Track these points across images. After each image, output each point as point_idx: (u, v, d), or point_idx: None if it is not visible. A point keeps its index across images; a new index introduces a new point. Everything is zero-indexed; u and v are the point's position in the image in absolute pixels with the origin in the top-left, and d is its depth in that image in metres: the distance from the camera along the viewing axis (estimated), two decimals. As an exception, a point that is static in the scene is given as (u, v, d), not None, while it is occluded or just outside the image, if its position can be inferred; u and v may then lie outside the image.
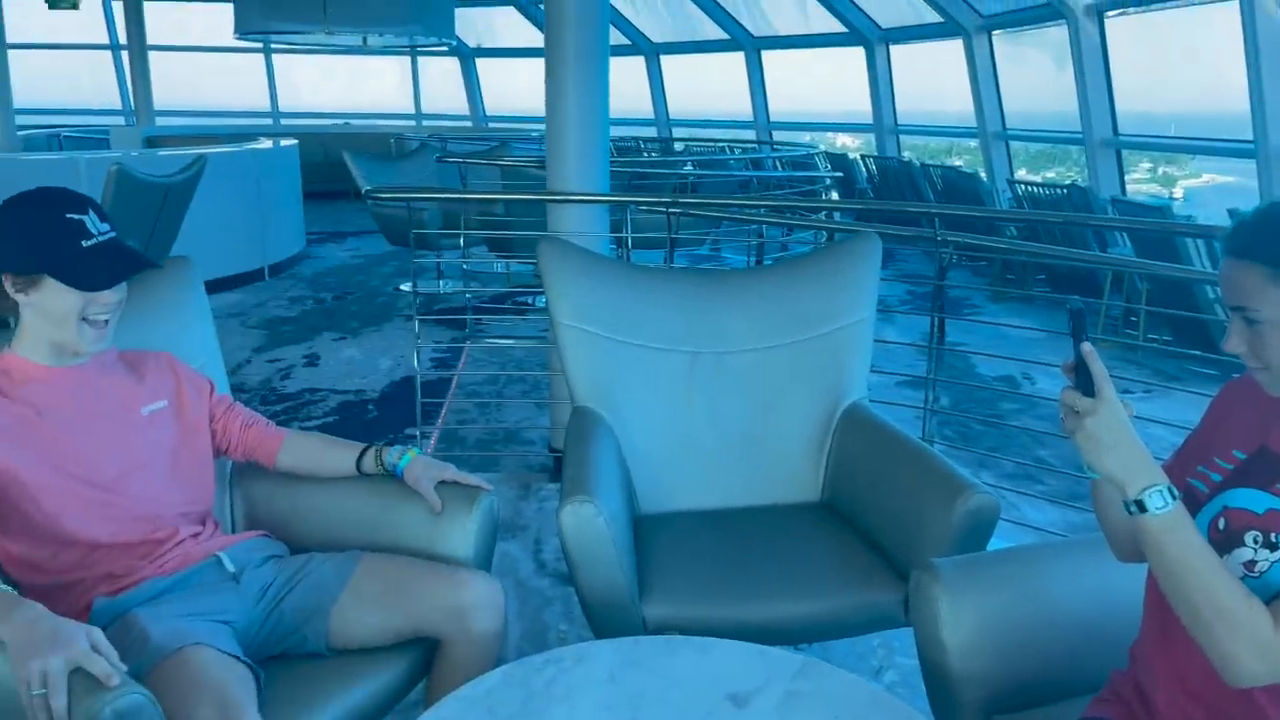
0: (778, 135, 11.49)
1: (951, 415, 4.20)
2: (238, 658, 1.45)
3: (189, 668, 1.37)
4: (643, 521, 2.19)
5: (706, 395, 2.36)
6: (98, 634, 1.27)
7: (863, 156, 10.44)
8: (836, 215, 6.64)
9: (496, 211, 5.77)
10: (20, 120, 9.25)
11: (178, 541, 1.64)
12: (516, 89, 14.81)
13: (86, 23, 13.46)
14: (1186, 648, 1.11)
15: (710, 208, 3.56)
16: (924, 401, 3.24)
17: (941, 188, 8.53)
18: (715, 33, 11.55)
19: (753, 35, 11.32)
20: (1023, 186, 7.50)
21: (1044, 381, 4.85)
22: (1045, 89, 8.79)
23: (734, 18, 11.21)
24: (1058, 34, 7.66)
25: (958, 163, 10.84)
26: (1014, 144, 9.04)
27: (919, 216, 5.87)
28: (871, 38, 10.05)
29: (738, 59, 11.66)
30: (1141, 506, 1.04)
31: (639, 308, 2.41)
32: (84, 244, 1.51)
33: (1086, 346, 1.07)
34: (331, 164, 10.23)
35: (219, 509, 1.88)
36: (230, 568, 1.64)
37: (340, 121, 14.41)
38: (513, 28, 13.86)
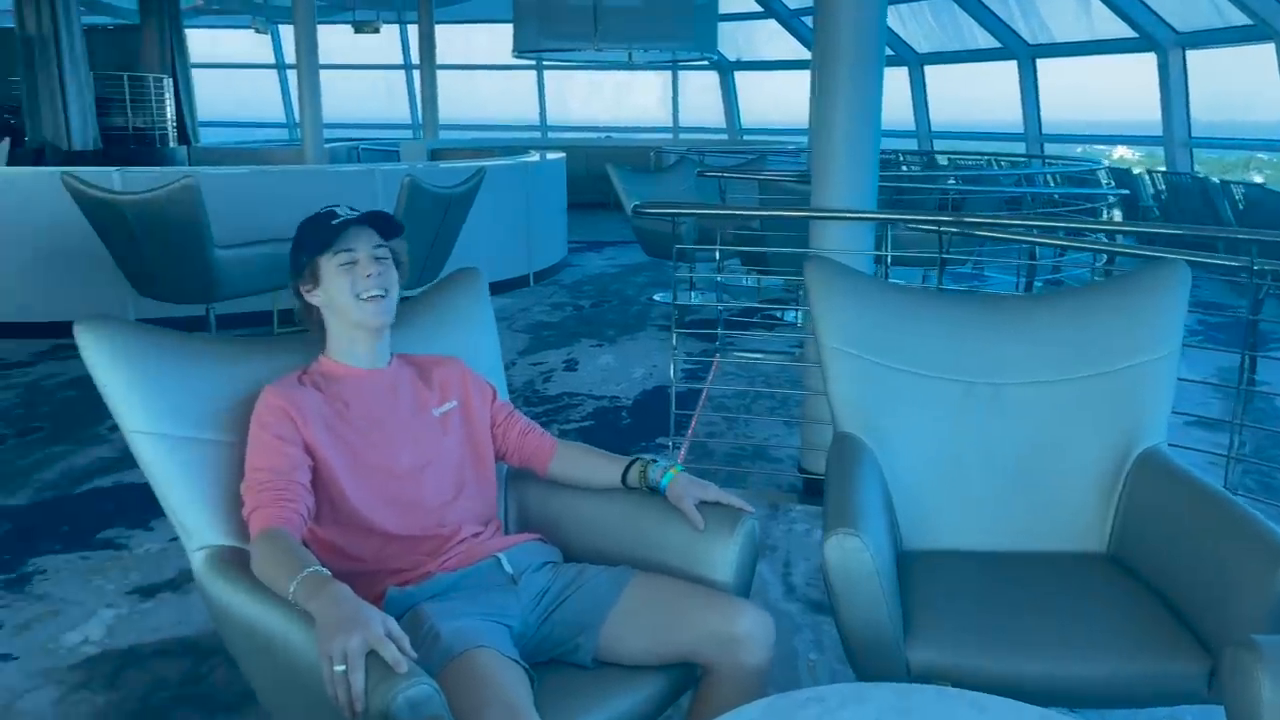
0: (1045, 148, 10.80)
1: (1258, 464, 3.75)
2: (516, 661, 1.50)
3: (476, 670, 1.43)
4: (906, 558, 2.09)
5: (980, 429, 2.22)
6: (392, 622, 1.34)
7: (1148, 171, 9.60)
8: (1119, 237, 6.13)
9: (752, 225, 5.77)
10: (324, 134, 10.25)
11: (461, 539, 1.72)
12: (772, 102, 14.81)
13: (384, 45, 14.75)
14: None
15: (986, 226, 3.36)
16: (1227, 447, 2.91)
17: (1244, 208, 7.69)
18: (986, 41, 11.01)
19: (1028, 43, 10.70)
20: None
21: (1370, 431, 4.24)
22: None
23: (1008, 25, 10.65)
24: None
25: (1259, 179, 9.75)
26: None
27: (1215, 240, 5.30)
28: (1165, 43, 9.22)
29: (1007, 68, 11.05)
30: None
31: (910, 332, 2.30)
32: (333, 222, 1.68)
33: None
34: (593, 176, 10.64)
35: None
36: (509, 569, 1.70)
37: (602, 135, 14.98)
38: (771, 40, 13.87)
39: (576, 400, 4.80)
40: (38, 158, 11.46)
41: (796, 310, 6.53)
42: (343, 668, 1.28)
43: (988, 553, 2.13)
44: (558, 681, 1.61)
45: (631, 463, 1.85)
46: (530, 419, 1.94)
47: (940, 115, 12.31)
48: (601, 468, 1.87)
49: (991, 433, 2.21)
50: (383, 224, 1.72)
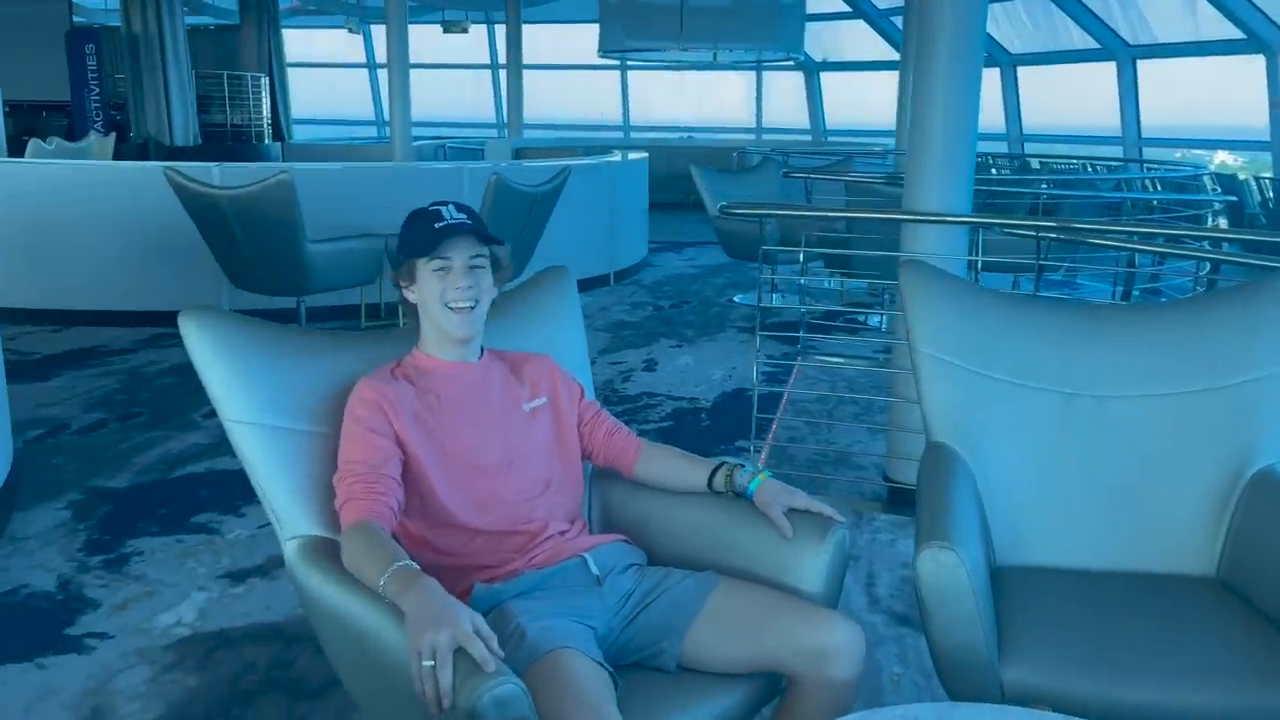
0: (1143, 152, 10.42)
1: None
2: (600, 663, 1.49)
3: (561, 670, 1.42)
4: (1000, 574, 2.02)
5: (1080, 442, 2.14)
6: (480, 619, 1.34)
7: (1254, 177, 9.20)
8: (1225, 245, 5.87)
9: (836, 228, 5.69)
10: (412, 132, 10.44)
11: (547, 537, 1.72)
12: (858, 103, 14.60)
13: (471, 45, 14.97)
14: None
15: (1087, 232, 3.25)
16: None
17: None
18: (1083, 41, 10.68)
19: (1128, 44, 10.35)
20: None
21: None
22: None
23: (1107, 25, 10.31)
24: None
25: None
26: None
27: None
28: (1276, 45, 8.82)
29: (1104, 69, 10.70)
30: None
31: (1008, 340, 2.23)
32: (435, 225, 1.67)
33: None
34: (674, 176, 10.63)
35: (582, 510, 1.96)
36: (594, 570, 1.69)
37: (684, 135, 14.96)
38: (857, 41, 13.68)
39: (655, 400, 4.79)
40: (141, 153, 11.93)
41: (881, 315, 6.42)
42: (431, 663, 1.28)
43: (1088, 571, 2.04)
44: (641, 686, 1.59)
45: (718, 466, 1.82)
46: (619, 420, 1.93)
47: (1031, 118, 11.98)
48: (687, 470, 1.85)
49: (1094, 447, 2.13)
50: (485, 229, 1.73)
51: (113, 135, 10.37)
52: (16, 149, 8.31)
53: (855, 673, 1.57)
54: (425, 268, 1.69)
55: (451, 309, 1.69)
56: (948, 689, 1.77)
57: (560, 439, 1.83)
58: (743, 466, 1.81)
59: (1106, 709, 1.60)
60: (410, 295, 1.74)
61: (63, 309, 6.07)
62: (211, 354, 1.67)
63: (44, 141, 8.80)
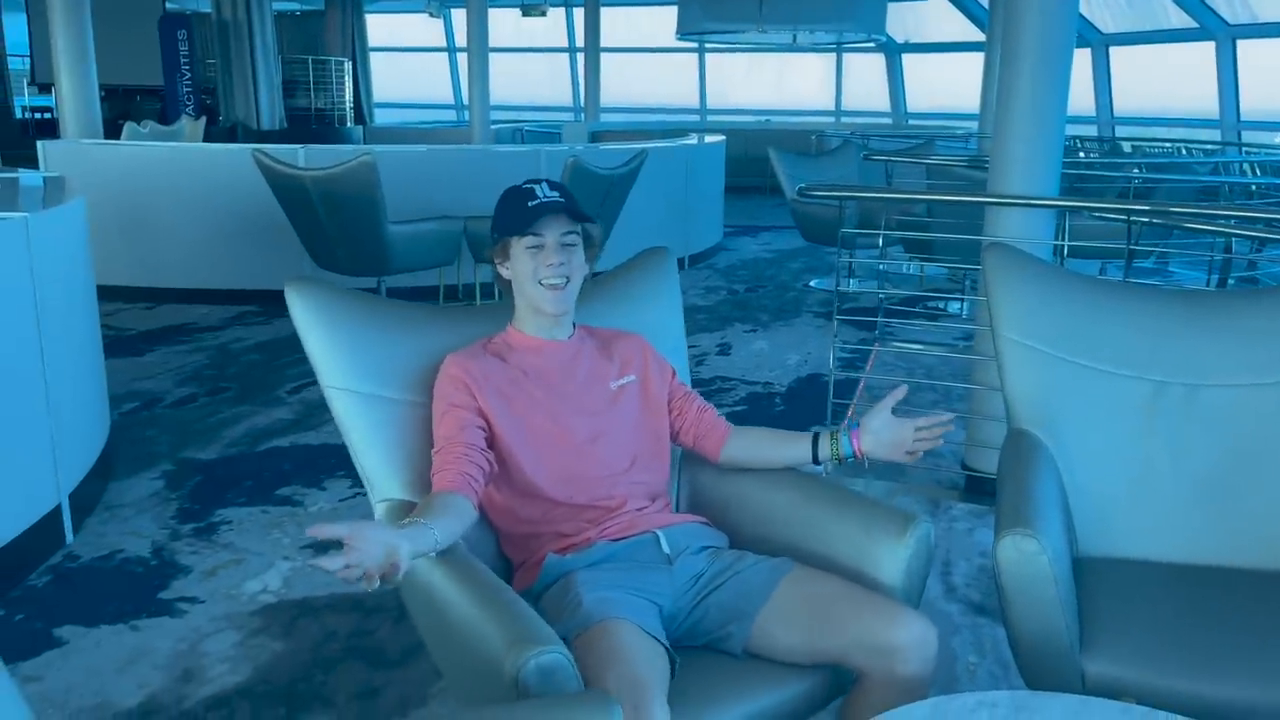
0: (1243, 135, 10.00)
1: None
2: (658, 639, 1.49)
3: (608, 639, 1.44)
4: (1083, 564, 1.97)
5: (1171, 432, 2.07)
6: (403, 552, 1.32)
7: (1363, 162, 8.77)
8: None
9: (916, 212, 5.58)
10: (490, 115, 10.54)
11: (624, 511, 1.73)
12: (940, 85, 14.28)
13: (549, 28, 15.02)
14: None
15: (1182, 216, 3.13)
16: None
17: None
18: (1181, 20, 10.27)
19: (1228, 23, 9.93)
20: None
21: None
22: None
23: (1206, 4, 9.90)
24: None
25: None
26: None
27: None
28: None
29: (1202, 49, 10.29)
30: None
31: (1096, 326, 2.16)
32: (529, 204, 1.69)
33: None
34: (750, 159, 10.55)
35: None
36: (666, 548, 1.70)
37: (761, 118, 14.81)
38: (941, 21, 13.37)
39: (730, 385, 4.78)
40: (230, 136, 12.27)
41: (962, 300, 6.30)
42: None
43: (1176, 564, 1.98)
44: (706, 668, 1.59)
45: (816, 435, 1.80)
46: (708, 403, 1.92)
47: (1123, 100, 11.58)
48: (784, 445, 1.84)
49: (1185, 436, 2.06)
50: (578, 207, 1.74)
51: (203, 119, 10.68)
52: (113, 132, 8.61)
53: (925, 671, 1.53)
54: (519, 245, 1.72)
55: (544, 286, 1.72)
56: (1026, 679, 1.74)
57: (647, 417, 1.83)
58: (834, 429, 1.80)
59: (1193, 705, 1.55)
60: (504, 272, 1.77)
61: (155, 287, 6.29)
62: (314, 322, 1.74)
63: (139, 125, 9.11)
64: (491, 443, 1.69)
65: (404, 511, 1.66)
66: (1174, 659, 1.67)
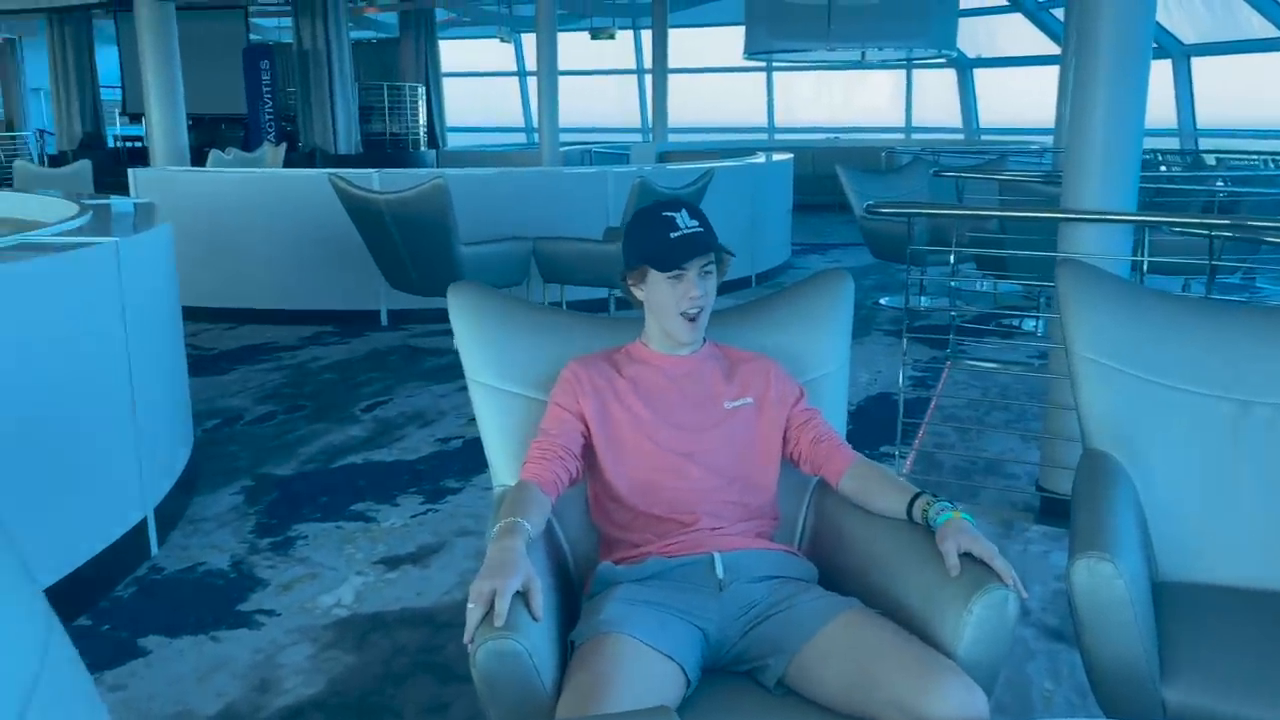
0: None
1: None
2: (671, 658, 1.47)
3: (600, 652, 1.45)
4: (1163, 589, 1.91)
5: (1258, 454, 2.00)
6: (533, 579, 1.45)
7: None
8: None
9: (989, 228, 5.49)
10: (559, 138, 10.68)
11: (696, 528, 1.71)
12: (1012, 100, 14.05)
13: (617, 50, 15.17)
14: None
15: (1263, 230, 3.02)
16: None
17: None
18: (1265, 30, 9.96)
19: (1317, 29, 9.59)
20: None
21: None
22: None
23: (1293, 11, 9.58)
24: None
25: None
26: None
27: None
28: None
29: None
30: None
31: (1175, 344, 2.10)
32: (671, 235, 1.72)
33: None
34: (819, 177, 10.49)
35: (794, 516, 1.92)
36: (720, 573, 1.65)
37: (829, 136, 14.74)
38: (1013, 35, 13.17)
39: (798, 403, 4.73)
40: (309, 161, 12.64)
41: (1037, 318, 6.17)
42: (473, 606, 1.40)
43: (1262, 591, 1.91)
44: (736, 696, 1.54)
45: (917, 495, 1.68)
46: (834, 429, 1.86)
47: (1206, 111, 11.25)
48: (889, 492, 1.73)
49: (1271, 458, 1.99)
50: (716, 239, 1.76)
51: (283, 145, 11.03)
52: (198, 159, 8.93)
53: None
54: (659, 274, 1.74)
55: (684, 316, 1.76)
56: (1104, 707, 1.69)
57: (759, 440, 1.81)
58: (940, 500, 1.65)
59: (1281, 737, 1.50)
60: (638, 293, 1.81)
61: (236, 307, 6.49)
62: (466, 320, 1.93)
63: (223, 152, 9.44)
64: (587, 444, 1.78)
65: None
66: (1258, 689, 1.60)
